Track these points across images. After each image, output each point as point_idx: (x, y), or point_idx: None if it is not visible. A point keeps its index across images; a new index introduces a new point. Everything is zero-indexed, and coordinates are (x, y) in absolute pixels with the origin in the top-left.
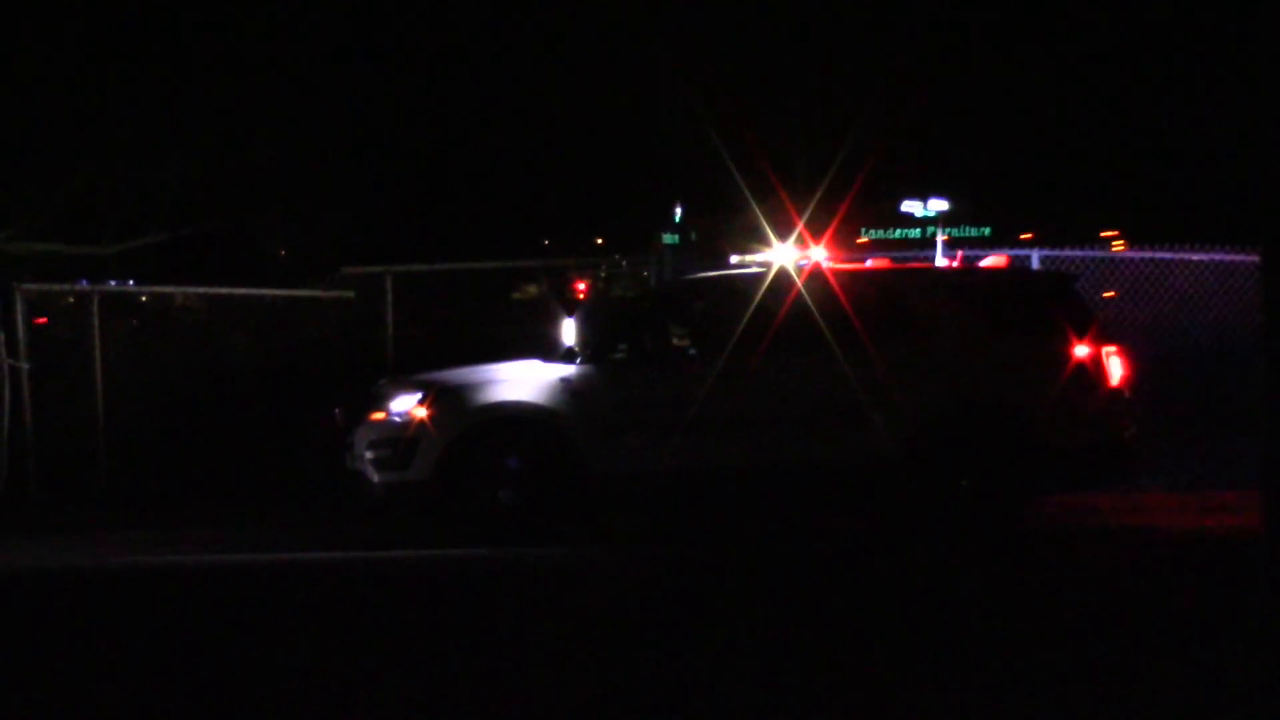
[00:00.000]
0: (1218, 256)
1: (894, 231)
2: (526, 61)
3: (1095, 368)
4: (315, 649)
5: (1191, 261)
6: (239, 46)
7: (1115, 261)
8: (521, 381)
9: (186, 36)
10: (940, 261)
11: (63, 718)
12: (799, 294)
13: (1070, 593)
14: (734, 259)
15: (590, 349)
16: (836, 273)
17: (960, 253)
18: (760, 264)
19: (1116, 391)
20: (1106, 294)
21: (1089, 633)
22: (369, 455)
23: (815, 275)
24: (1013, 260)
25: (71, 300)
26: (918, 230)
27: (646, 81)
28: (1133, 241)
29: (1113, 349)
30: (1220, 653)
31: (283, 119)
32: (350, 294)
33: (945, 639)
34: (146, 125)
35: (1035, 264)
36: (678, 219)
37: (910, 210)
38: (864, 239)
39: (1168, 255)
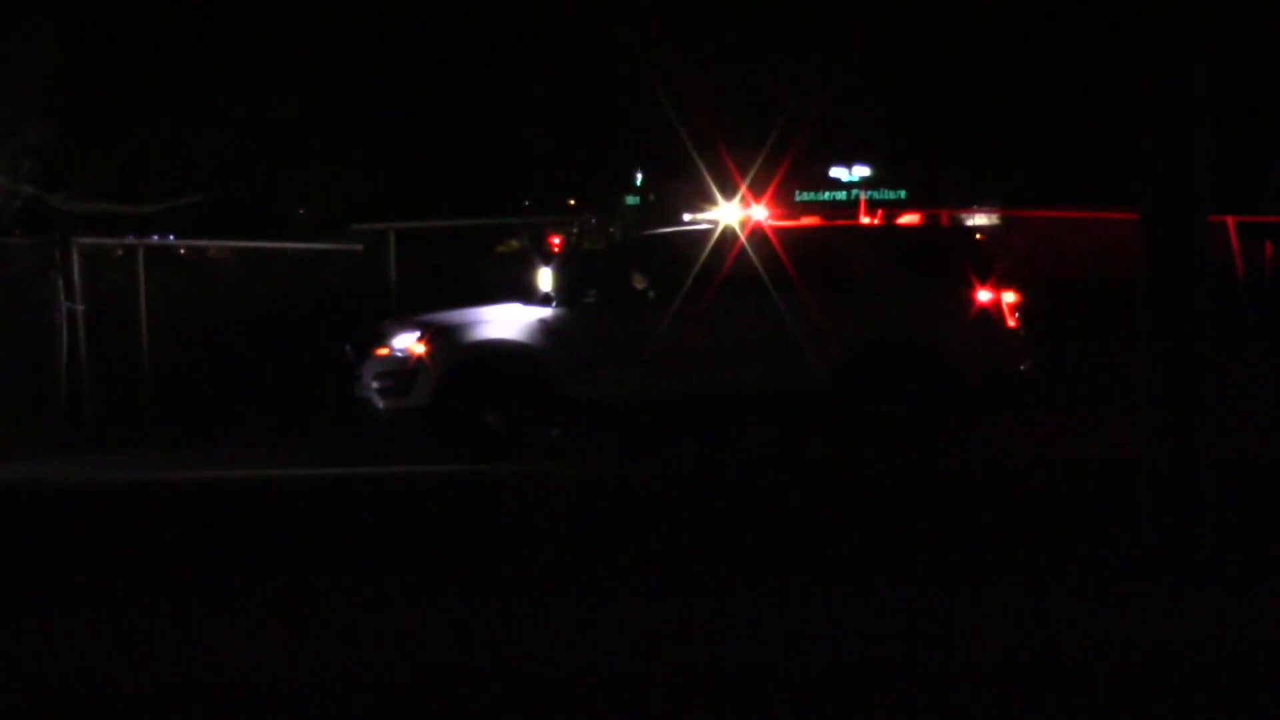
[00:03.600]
0: (1101, 215)
1: (824, 194)
2: (514, 41)
3: (996, 310)
4: (326, 555)
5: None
6: (266, 27)
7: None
8: (505, 321)
9: (222, 16)
10: (864, 219)
11: (109, 607)
12: (742, 247)
13: (969, 507)
14: (686, 217)
15: (564, 294)
16: (775, 229)
17: (880, 211)
18: (709, 221)
19: (1014, 330)
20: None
21: (984, 541)
22: (374, 385)
23: (756, 230)
24: (926, 218)
25: (120, 252)
26: (844, 193)
27: (612, 60)
28: (1021, 204)
29: (1011, 294)
30: (1087, 556)
31: (302, 93)
32: (359, 247)
33: (856, 541)
34: (186, 98)
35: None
36: (638, 183)
37: (837, 175)
38: (798, 199)
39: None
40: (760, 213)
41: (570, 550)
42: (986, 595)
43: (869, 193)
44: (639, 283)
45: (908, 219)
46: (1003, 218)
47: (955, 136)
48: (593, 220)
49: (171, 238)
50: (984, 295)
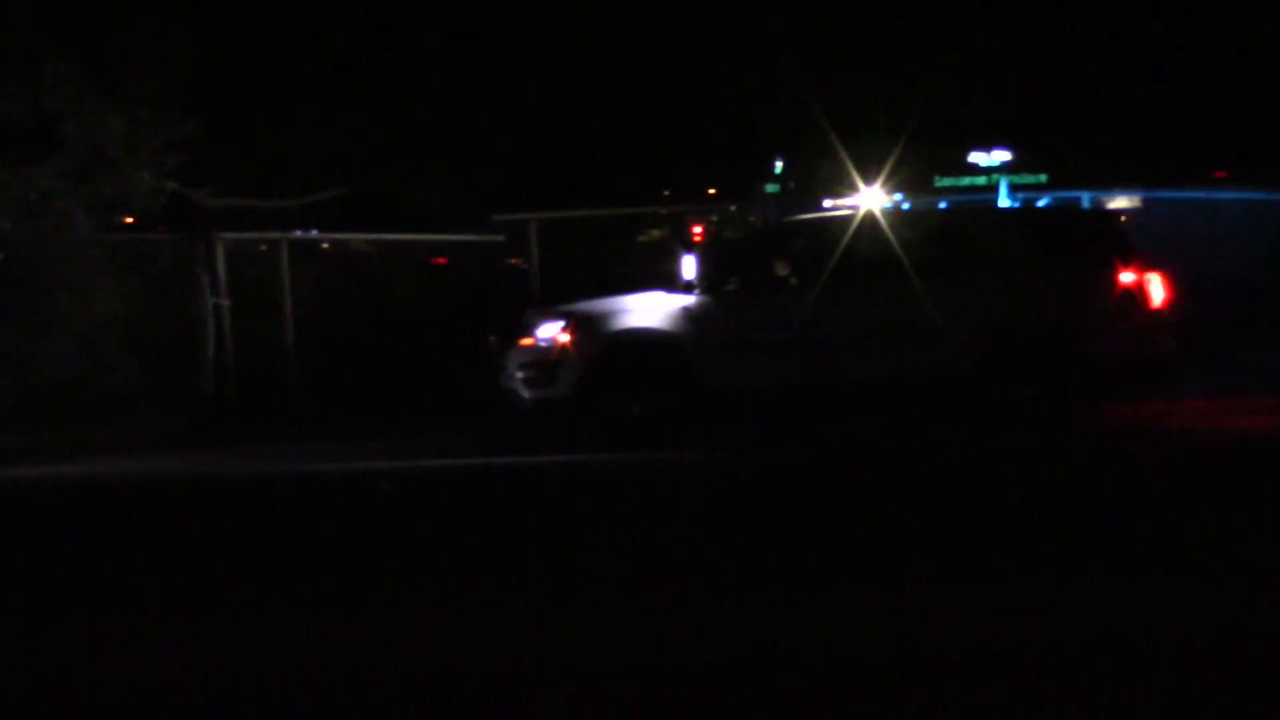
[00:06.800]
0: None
1: (963, 178)
2: (653, 31)
3: (1139, 291)
4: (469, 540)
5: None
6: (403, 29)
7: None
8: (648, 310)
9: (360, 9)
10: (1004, 202)
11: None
12: (883, 232)
13: (1112, 482)
14: (826, 203)
15: (706, 281)
16: (915, 213)
17: (1021, 195)
18: (849, 207)
19: (1158, 312)
20: None
21: (1124, 519)
22: (519, 375)
23: (896, 215)
24: (1065, 201)
25: (264, 247)
26: (983, 178)
27: (752, 49)
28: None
29: (1155, 274)
30: (1246, 537)
31: (440, 90)
32: (501, 238)
33: (1001, 520)
34: (326, 93)
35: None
36: (778, 171)
37: (976, 160)
38: (938, 184)
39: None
40: (900, 198)
41: (712, 541)
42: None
43: (1009, 177)
44: (780, 270)
45: (1048, 202)
46: (1143, 200)
47: (1096, 119)
48: (733, 208)
49: (314, 232)
50: (1127, 276)
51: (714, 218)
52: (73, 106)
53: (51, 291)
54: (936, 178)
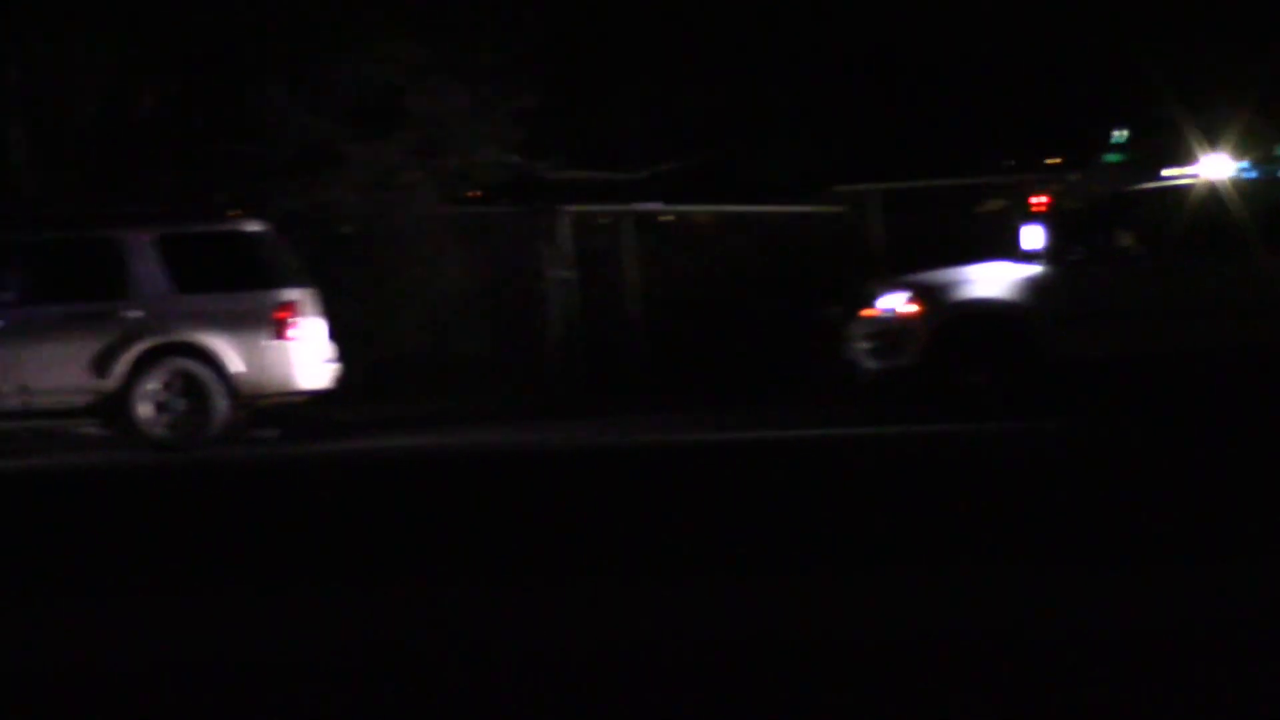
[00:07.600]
0: None
1: None
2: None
3: None
4: (815, 507)
5: None
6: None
7: None
8: (992, 280)
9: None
10: None
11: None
12: (1229, 202)
13: None
14: (1166, 173)
15: (1050, 252)
16: (1261, 183)
17: None
18: (1190, 176)
19: None
20: None
21: None
22: (862, 346)
23: (1241, 185)
24: None
25: (606, 219)
26: None
27: (1093, 22)
28: None
29: None
30: None
31: (782, 60)
32: (841, 209)
33: None
34: (669, 69)
35: None
36: (1118, 139)
37: None
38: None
39: None
40: (1244, 167)
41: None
42: None
43: None
44: (1124, 240)
45: None
46: None
47: None
48: (1074, 178)
49: (657, 204)
50: None
51: (1056, 187)
52: (416, 81)
53: (398, 264)
54: (1278, 146)
